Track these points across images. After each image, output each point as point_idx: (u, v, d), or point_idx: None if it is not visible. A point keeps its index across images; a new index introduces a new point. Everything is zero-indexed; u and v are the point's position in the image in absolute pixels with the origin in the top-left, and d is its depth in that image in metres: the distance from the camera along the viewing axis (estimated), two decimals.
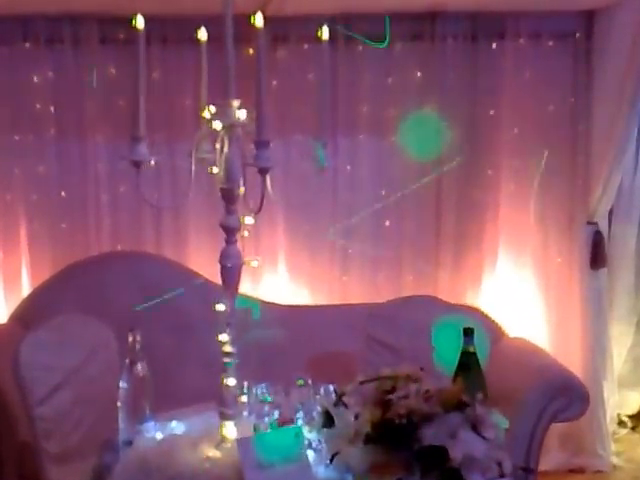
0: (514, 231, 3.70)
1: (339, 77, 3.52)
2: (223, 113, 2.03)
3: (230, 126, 2.03)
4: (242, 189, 2.07)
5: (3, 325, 3.35)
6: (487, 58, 3.57)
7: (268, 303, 3.50)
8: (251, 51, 3.48)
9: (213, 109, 2.09)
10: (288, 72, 3.52)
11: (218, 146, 2.07)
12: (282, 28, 3.48)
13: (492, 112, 3.61)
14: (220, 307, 2.15)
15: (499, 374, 2.66)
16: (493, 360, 2.85)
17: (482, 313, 3.47)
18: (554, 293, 3.74)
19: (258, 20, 1.91)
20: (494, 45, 3.57)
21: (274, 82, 3.50)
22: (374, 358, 3.10)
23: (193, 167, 2.09)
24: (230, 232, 2.11)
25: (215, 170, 2.10)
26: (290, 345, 3.39)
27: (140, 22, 2.04)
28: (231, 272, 2.14)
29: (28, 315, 3.33)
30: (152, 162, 2.05)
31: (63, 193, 3.53)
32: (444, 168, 3.60)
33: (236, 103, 2.02)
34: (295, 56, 3.51)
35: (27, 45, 3.41)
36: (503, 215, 3.68)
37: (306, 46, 3.50)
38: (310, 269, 3.65)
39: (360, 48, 3.52)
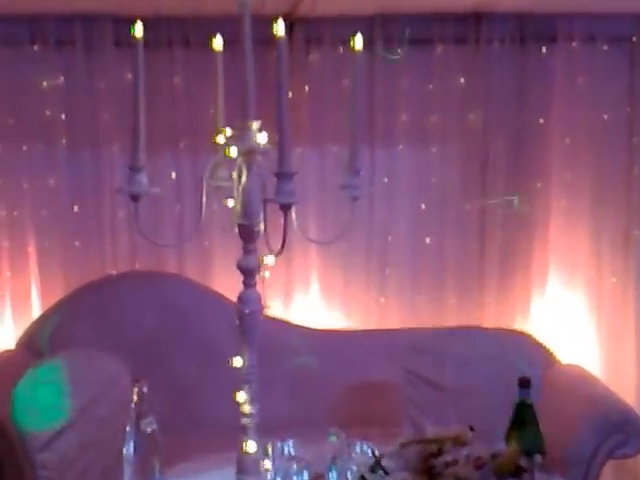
0: (565, 249, 3.38)
1: (376, 83, 3.24)
2: (241, 137, 1.74)
3: (249, 152, 1.74)
4: (262, 225, 1.78)
5: (10, 352, 3.05)
6: (536, 63, 3.27)
7: (298, 326, 3.23)
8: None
9: (229, 132, 1.81)
10: (322, 77, 3.23)
11: (235, 175, 1.78)
12: (315, 30, 3.20)
13: (541, 121, 3.30)
14: (237, 361, 1.85)
15: (550, 405, 2.49)
16: (544, 389, 2.67)
17: (532, 339, 3.18)
18: (608, 316, 3.41)
19: (280, 28, 1.59)
20: (544, 49, 3.27)
21: (306, 88, 3.22)
22: (414, 394, 2.78)
23: (204, 198, 1.82)
24: (248, 274, 1.84)
25: (231, 203, 1.82)
26: (321, 374, 3.15)
27: (139, 30, 1.74)
28: (250, 319, 1.85)
29: (37, 341, 3.03)
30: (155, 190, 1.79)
31: (76, 208, 3.21)
32: (489, 181, 3.32)
33: (256, 125, 1.73)
34: (329, 60, 3.22)
35: (35, 47, 3.12)
36: (553, 232, 3.37)
37: (341, 49, 3.19)
38: (344, 290, 3.34)
39: (399, 51, 3.23)
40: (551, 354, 3.13)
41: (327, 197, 3.26)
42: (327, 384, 3.12)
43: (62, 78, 3.15)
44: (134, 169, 1.74)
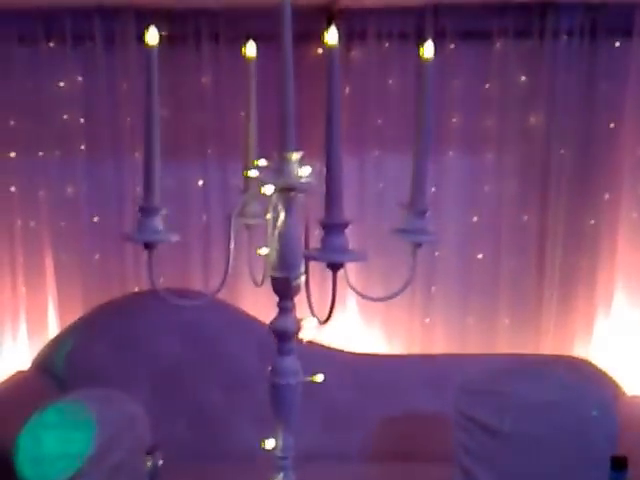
0: (634, 266, 2.99)
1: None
2: (277, 171, 1.45)
3: (287, 190, 1.46)
4: (302, 278, 1.50)
5: (24, 373, 2.80)
6: (608, 59, 2.86)
7: (334, 350, 2.92)
8: (320, 51, 2.93)
9: (263, 163, 1.51)
10: (365, 76, 2.88)
11: (269, 216, 1.52)
12: (358, 23, 2.85)
13: (612, 125, 2.90)
14: (270, 444, 1.58)
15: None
16: None
17: (594, 368, 2.83)
18: None
19: (331, 36, 1.24)
20: (617, 44, 2.85)
21: (347, 88, 2.87)
22: (466, 440, 2.39)
23: (232, 244, 1.55)
24: (283, 338, 1.54)
25: (264, 251, 1.54)
26: (358, 403, 2.83)
27: (153, 36, 1.39)
28: (286, 393, 1.56)
29: (52, 363, 2.79)
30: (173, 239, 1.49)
31: (95, 219, 2.95)
32: (550, 192, 2.94)
33: (296, 157, 1.44)
34: (373, 57, 2.87)
35: (51, 45, 2.84)
36: (622, 247, 2.98)
37: (387, 44, 2.85)
38: (386, 309, 3.01)
39: (452, 46, 2.86)
40: (616, 384, 2.77)
41: (367, 209, 2.94)
42: (364, 415, 2.81)
43: (80, 78, 2.88)
44: (146, 211, 1.43)
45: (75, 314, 2.89)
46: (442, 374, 2.86)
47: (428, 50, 1.48)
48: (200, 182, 2.94)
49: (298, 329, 1.53)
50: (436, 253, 3.00)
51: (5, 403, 2.53)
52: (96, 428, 2.16)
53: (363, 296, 1.55)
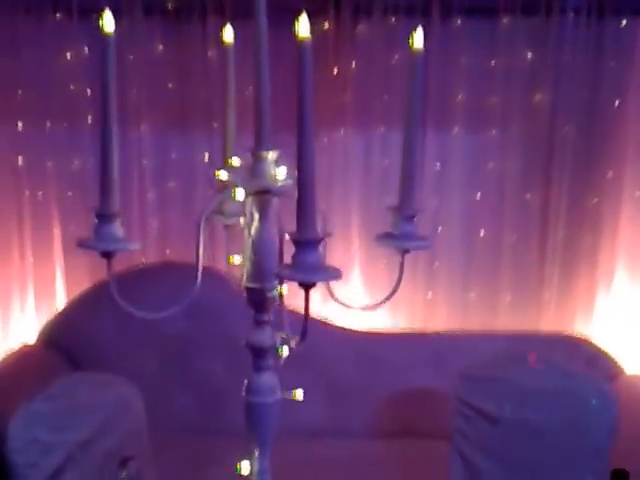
0: (636, 245, 2.97)
1: (430, 58, 2.79)
2: (250, 171, 1.34)
3: (262, 193, 1.35)
4: (281, 289, 1.41)
5: (30, 347, 2.80)
6: (614, 38, 2.80)
7: (337, 327, 2.92)
8: (327, 25, 2.90)
9: (236, 162, 1.42)
10: (370, 51, 2.83)
11: (243, 222, 1.40)
12: None
13: (617, 103, 2.85)
14: (245, 468, 1.51)
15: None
16: None
17: (594, 346, 2.84)
18: None
19: (302, 26, 1.09)
20: (624, 22, 2.78)
21: (353, 63, 2.84)
22: (465, 427, 2.34)
23: (201, 250, 1.41)
24: (259, 354, 1.45)
25: (237, 260, 1.43)
26: (361, 380, 2.85)
27: (108, 21, 1.29)
28: (262, 414, 1.47)
29: (59, 336, 2.79)
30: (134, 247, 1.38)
31: None
32: (554, 169, 2.91)
33: (272, 156, 1.33)
34: (379, 32, 2.81)
35: (58, 16, 2.79)
36: (624, 225, 2.96)
37: (393, 19, 2.80)
38: (389, 284, 2.99)
39: (458, 22, 2.81)
40: (615, 364, 2.79)
41: (372, 186, 2.93)
42: (366, 391, 2.83)
43: (86, 49, 2.83)
44: (104, 217, 1.31)
45: (82, 286, 2.88)
46: (444, 352, 2.87)
47: (418, 40, 1.34)
48: (206, 156, 2.93)
49: (274, 343, 1.43)
50: (439, 229, 2.98)
51: (11, 376, 2.53)
52: (88, 413, 2.10)
53: (347, 306, 1.52)
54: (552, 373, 2.29)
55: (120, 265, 2.82)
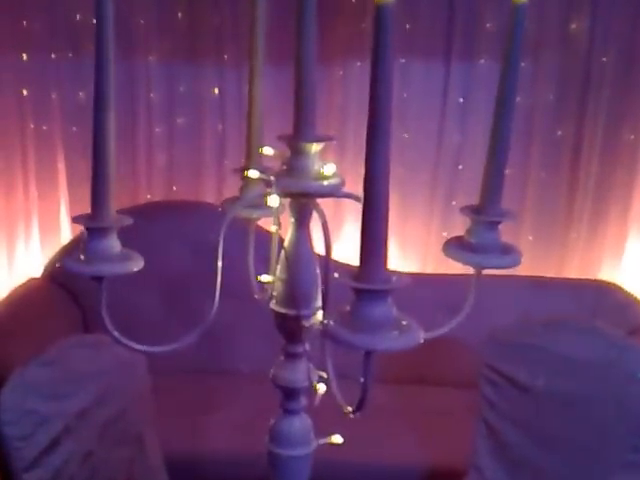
0: None
1: None
2: (287, 170, 1.01)
3: (301, 196, 1.03)
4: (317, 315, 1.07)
5: (36, 281, 2.64)
6: None
7: (344, 265, 2.69)
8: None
9: (268, 152, 1.09)
10: None
11: (274, 230, 1.12)
12: None
13: None
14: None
15: None
16: None
17: (624, 292, 2.58)
18: None
19: None
20: None
21: None
22: (492, 394, 2.04)
23: (219, 263, 1.16)
24: (291, 395, 1.14)
25: (266, 278, 1.13)
26: None
27: None
28: (292, 468, 1.15)
29: (64, 272, 2.63)
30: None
31: None
32: (589, 103, 2.63)
33: (317, 147, 1.00)
34: None
35: None
36: None
37: None
38: (402, 222, 2.76)
39: None
40: None
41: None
42: None
43: None
44: (96, 232, 0.97)
45: None
46: (459, 296, 2.62)
47: None
48: (216, 90, 2.70)
49: (308, 384, 1.09)
50: (460, 166, 2.73)
51: (16, 313, 2.39)
52: (87, 380, 1.83)
53: None
54: (593, 341, 1.95)
55: (123, 202, 2.67)
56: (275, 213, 1.09)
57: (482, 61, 2.65)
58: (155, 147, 2.75)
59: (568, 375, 1.90)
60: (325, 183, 0.99)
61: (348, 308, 0.84)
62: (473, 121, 2.70)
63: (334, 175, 1.00)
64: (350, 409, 0.96)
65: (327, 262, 0.99)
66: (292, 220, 1.06)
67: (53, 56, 2.69)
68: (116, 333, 1.04)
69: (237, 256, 2.69)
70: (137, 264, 1.00)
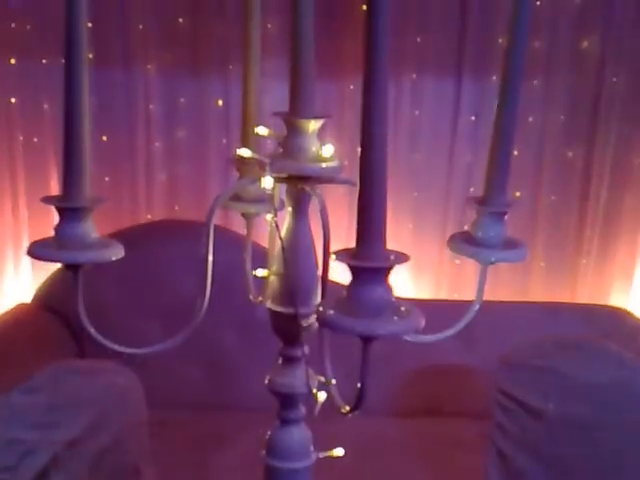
0: None
1: None
2: (285, 148, 0.93)
3: (299, 180, 0.95)
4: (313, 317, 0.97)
5: (25, 307, 2.44)
6: None
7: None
8: (365, 7, 2.44)
9: (263, 132, 0.99)
10: None
11: (270, 219, 1.00)
12: None
13: None
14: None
15: None
16: None
17: (635, 319, 2.51)
18: None
19: None
20: None
21: None
22: (505, 420, 1.93)
23: (209, 269, 1.04)
24: (288, 403, 1.05)
25: (261, 272, 1.04)
26: (383, 352, 2.48)
27: None
28: (286, 479, 1.07)
29: (55, 298, 2.43)
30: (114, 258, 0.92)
31: (104, 137, 2.51)
32: (599, 124, 2.54)
33: (316, 125, 0.93)
34: None
35: None
36: None
37: None
38: (413, 245, 2.65)
39: None
40: None
41: (400, 139, 2.55)
42: (386, 366, 2.47)
43: None
44: (70, 214, 0.89)
45: None
46: (472, 323, 2.52)
47: None
48: (220, 102, 2.52)
49: (309, 390, 1.01)
50: (471, 189, 2.62)
51: (5, 340, 2.19)
52: (77, 407, 1.68)
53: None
54: (606, 362, 1.89)
55: (121, 223, 2.48)
56: (272, 200, 1.00)
57: (494, 78, 2.52)
58: (155, 163, 2.54)
59: (580, 398, 1.82)
60: (324, 165, 0.93)
61: (345, 294, 0.80)
62: (484, 141, 2.58)
63: (333, 157, 0.93)
64: (348, 408, 0.93)
65: (326, 252, 0.93)
66: (289, 209, 0.99)
67: (44, 61, 2.46)
68: (93, 330, 0.96)
69: (242, 287, 2.52)
70: (116, 252, 0.92)
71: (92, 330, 0.93)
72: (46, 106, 2.51)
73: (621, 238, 2.63)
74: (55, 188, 2.53)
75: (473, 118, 2.57)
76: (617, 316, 2.51)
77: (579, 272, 2.66)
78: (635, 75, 2.51)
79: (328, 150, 0.93)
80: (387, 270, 0.78)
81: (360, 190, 0.77)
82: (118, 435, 1.70)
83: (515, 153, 2.59)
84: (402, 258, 0.80)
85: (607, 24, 2.46)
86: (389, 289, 0.79)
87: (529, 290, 2.66)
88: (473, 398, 2.37)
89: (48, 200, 0.89)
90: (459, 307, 2.61)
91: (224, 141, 2.55)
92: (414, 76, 2.52)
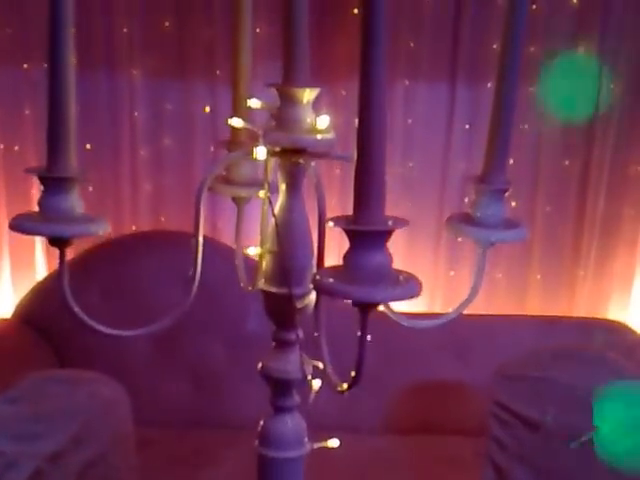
0: None
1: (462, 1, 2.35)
2: (278, 122, 0.87)
3: (292, 153, 0.89)
4: (311, 296, 0.93)
5: (6, 322, 2.33)
6: None
7: (349, 307, 2.46)
8: (356, 11, 2.34)
9: (255, 104, 0.92)
10: None
11: (264, 196, 0.93)
12: None
13: None
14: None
15: None
16: None
17: (633, 333, 2.43)
18: None
19: None
20: None
21: None
22: (501, 433, 1.85)
23: (200, 238, 0.97)
24: (282, 389, 0.99)
25: (253, 251, 0.97)
26: (377, 368, 2.37)
27: None
28: (282, 471, 1.01)
29: (38, 313, 2.31)
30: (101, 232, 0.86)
31: (88, 146, 2.39)
32: (596, 132, 2.46)
33: (310, 95, 0.87)
34: None
35: None
36: None
37: None
38: (407, 257, 2.55)
39: None
40: None
41: (394, 148, 2.45)
42: (379, 382, 2.36)
43: None
44: (55, 184, 0.82)
45: (67, 253, 2.40)
46: (467, 337, 2.43)
47: None
48: (207, 108, 2.42)
49: (305, 377, 0.95)
50: (466, 199, 2.52)
51: None
52: (61, 419, 1.60)
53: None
54: (602, 372, 1.82)
55: (111, 232, 2.36)
56: (265, 174, 0.93)
57: (489, 85, 2.43)
58: (140, 172, 2.43)
59: (578, 408, 1.72)
60: (319, 137, 0.87)
61: (342, 262, 0.76)
62: (478, 150, 2.47)
63: (328, 129, 0.88)
64: (345, 386, 0.86)
65: (322, 225, 0.90)
66: (282, 186, 0.93)
67: (25, 66, 2.35)
68: (77, 309, 0.89)
69: (234, 305, 2.41)
70: (103, 227, 0.86)
71: (76, 309, 0.88)
72: (27, 113, 2.40)
73: (619, 249, 2.55)
74: (37, 198, 2.40)
75: (467, 126, 2.48)
76: (615, 330, 2.44)
77: (576, 284, 2.57)
78: (632, 84, 2.43)
79: (324, 121, 0.87)
80: (387, 234, 0.74)
81: (358, 155, 0.72)
82: (103, 448, 1.62)
83: (510, 162, 2.50)
84: (401, 222, 0.75)
85: (604, 25, 2.38)
86: (388, 255, 0.75)
87: (525, 303, 2.57)
88: (469, 415, 2.28)
89: (32, 170, 0.83)
90: (452, 320, 2.50)
91: (211, 149, 2.44)
92: (406, 82, 2.43)
